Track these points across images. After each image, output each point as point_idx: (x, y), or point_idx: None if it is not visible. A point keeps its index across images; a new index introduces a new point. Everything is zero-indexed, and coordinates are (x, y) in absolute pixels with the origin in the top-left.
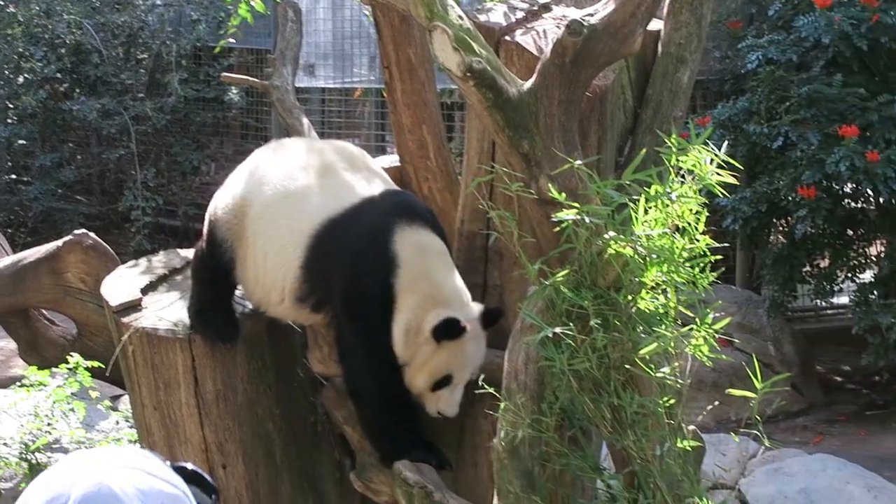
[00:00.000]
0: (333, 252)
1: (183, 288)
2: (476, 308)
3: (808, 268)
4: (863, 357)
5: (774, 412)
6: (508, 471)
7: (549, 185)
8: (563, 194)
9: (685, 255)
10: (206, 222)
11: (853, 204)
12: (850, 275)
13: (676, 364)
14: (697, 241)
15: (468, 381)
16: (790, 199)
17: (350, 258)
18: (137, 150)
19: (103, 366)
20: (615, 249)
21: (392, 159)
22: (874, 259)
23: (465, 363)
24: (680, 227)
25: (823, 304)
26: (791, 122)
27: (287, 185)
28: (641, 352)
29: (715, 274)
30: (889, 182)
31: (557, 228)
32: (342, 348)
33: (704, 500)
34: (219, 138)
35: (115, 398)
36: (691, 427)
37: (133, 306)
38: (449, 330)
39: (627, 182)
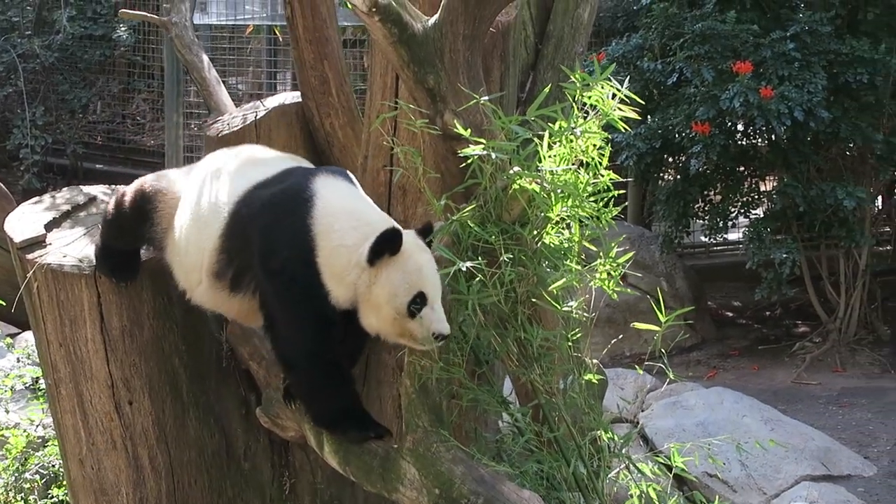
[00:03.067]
0: (251, 210)
1: (87, 224)
2: (408, 231)
3: (700, 204)
4: (756, 292)
5: (668, 347)
6: (417, 405)
7: (455, 120)
8: (469, 130)
9: (589, 189)
10: (137, 187)
11: (745, 140)
12: (742, 211)
13: (582, 298)
14: (601, 175)
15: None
16: (684, 135)
17: (265, 208)
18: (25, 89)
19: (2, 303)
20: (520, 185)
21: (293, 95)
22: (766, 195)
23: (426, 276)
24: (584, 162)
25: (714, 240)
26: (685, 58)
27: (214, 173)
28: (550, 286)
29: (618, 209)
30: (782, 118)
31: (463, 164)
32: (267, 316)
33: (608, 432)
34: (105, 76)
35: (12, 336)
36: (594, 361)
37: (37, 242)
38: (385, 243)
39: (532, 118)
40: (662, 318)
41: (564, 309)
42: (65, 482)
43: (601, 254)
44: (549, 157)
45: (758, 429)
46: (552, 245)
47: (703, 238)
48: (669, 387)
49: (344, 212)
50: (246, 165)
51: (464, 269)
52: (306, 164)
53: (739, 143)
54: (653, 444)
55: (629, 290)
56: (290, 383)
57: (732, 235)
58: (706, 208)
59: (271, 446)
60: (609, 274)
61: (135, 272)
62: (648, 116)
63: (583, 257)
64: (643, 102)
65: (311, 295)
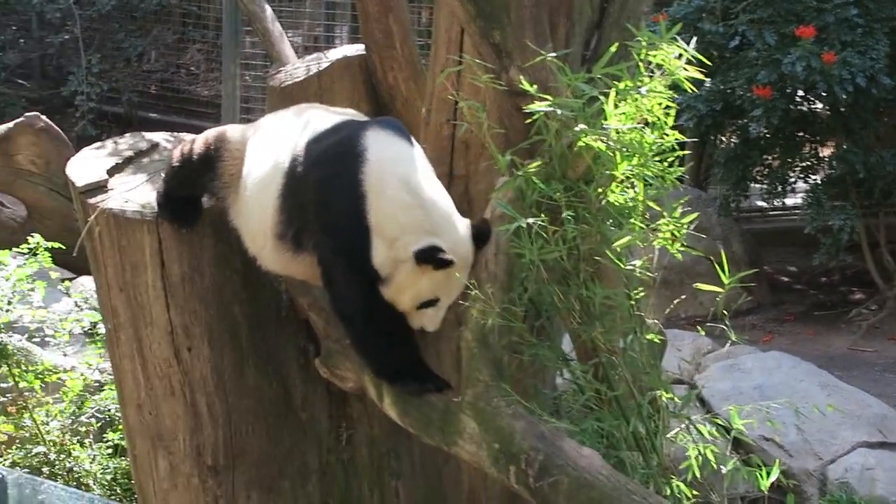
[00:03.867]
0: (305, 166)
1: (149, 170)
2: (462, 225)
3: (759, 168)
4: (814, 257)
5: (724, 309)
6: (478, 360)
7: (520, 76)
8: (534, 86)
9: (654, 149)
10: (202, 138)
11: (805, 105)
12: (801, 176)
13: (645, 258)
14: (667, 135)
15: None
16: (745, 98)
17: (317, 163)
18: (81, 36)
19: (63, 247)
20: (586, 142)
21: (356, 48)
22: (826, 160)
23: (452, 287)
24: (649, 121)
25: (771, 204)
26: (748, 21)
27: (274, 133)
28: (614, 244)
29: (682, 169)
30: (844, 83)
31: (527, 121)
32: (324, 270)
33: (668, 392)
34: (160, 25)
35: (69, 280)
36: (653, 321)
37: (99, 187)
38: (433, 259)
39: (598, 76)
40: (726, 280)
41: (627, 268)
42: (120, 426)
43: (665, 214)
44: (615, 115)
45: (815, 394)
46: (616, 203)
47: (759, 202)
48: (726, 349)
49: (396, 178)
50: (303, 123)
51: (524, 225)
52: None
53: (799, 107)
54: (709, 405)
55: (693, 250)
56: (349, 338)
57: (789, 200)
58: (765, 172)
59: (329, 397)
60: (673, 234)
61: (196, 218)
62: (708, 79)
63: (646, 217)
64: (709, 63)
65: (362, 249)
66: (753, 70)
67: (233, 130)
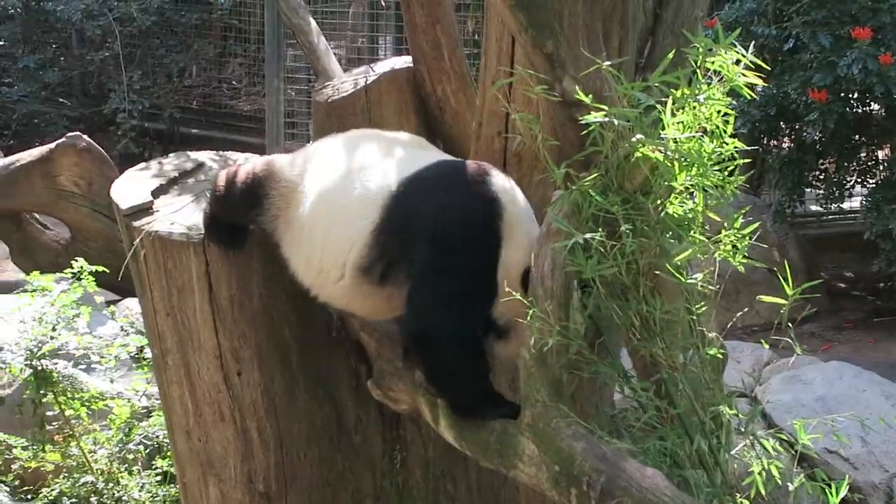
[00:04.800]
0: (418, 200)
1: (195, 191)
2: None
3: (816, 172)
4: (874, 263)
5: (781, 320)
6: (536, 379)
7: (575, 86)
8: (590, 95)
9: (714, 158)
10: (247, 169)
11: (861, 108)
12: (859, 180)
13: (706, 271)
14: (726, 143)
15: None
16: (800, 102)
17: (446, 207)
18: (122, 53)
19: (107, 270)
20: (643, 153)
21: (404, 60)
22: (882, 164)
23: None
24: (708, 129)
25: (828, 209)
26: (801, 23)
27: (344, 164)
28: (676, 258)
29: (743, 178)
30: None
31: (584, 133)
32: (414, 289)
33: (732, 408)
34: (202, 40)
35: (113, 303)
36: (714, 335)
37: (144, 209)
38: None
39: (655, 84)
40: (789, 291)
41: (688, 281)
42: (169, 453)
43: (725, 224)
44: (673, 124)
45: (879, 404)
46: (675, 215)
47: (812, 207)
48: (786, 360)
49: (524, 230)
50: (385, 153)
51: (581, 241)
52: (432, 147)
53: (855, 110)
54: (771, 419)
55: (757, 262)
56: (425, 360)
57: (846, 205)
58: (821, 177)
59: (382, 419)
60: (734, 246)
61: (243, 241)
62: (762, 83)
63: (706, 228)
64: (768, 68)
65: (486, 299)
66: (808, 73)
67: (280, 164)
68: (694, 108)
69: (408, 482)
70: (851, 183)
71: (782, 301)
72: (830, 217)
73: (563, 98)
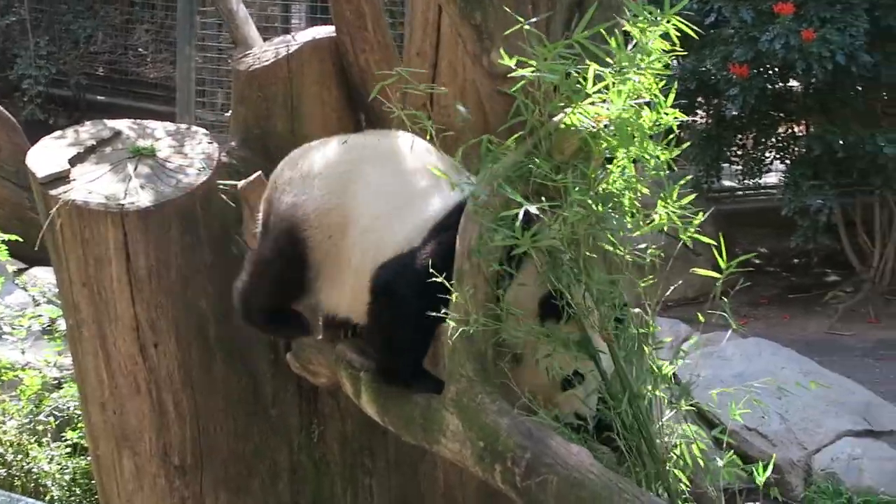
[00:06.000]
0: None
1: (113, 160)
2: None
3: (733, 148)
4: (791, 239)
5: (696, 294)
6: (461, 354)
7: (501, 49)
8: (514, 58)
9: (651, 130)
10: (279, 227)
11: (782, 84)
12: (778, 156)
13: (648, 244)
14: (666, 114)
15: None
16: (721, 77)
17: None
18: (29, 18)
19: (20, 239)
20: (572, 121)
21: (326, 30)
22: (802, 140)
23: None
24: (643, 100)
25: (745, 185)
26: None
27: (394, 191)
28: (610, 229)
29: (678, 150)
30: (824, 61)
31: (509, 106)
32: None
33: (659, 382)
34: (108, 6)
35: (20, 271)
36: (637, 309)
37: (61, 178)
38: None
39: (577, 41)
40: (723, 265)
41: (620, 253)
42: (80, 425)
43: (663, 196)
44: (601, 92)
45: (797, 381)
46: (611, 186)
47: (726, 182)
48: (705, 336)
49: None
50: (424, 179)
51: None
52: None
53: (776, 86)
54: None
55: (703, 238)
56: (379, 323)
57: (760, 181)
58: (739, 153)
59: (300, 392)
60: (670, 216)
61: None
62: (681, 58)
63: (640, 199)
64: (696, 37)
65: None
66: (729, 48)
67: (307, 218)
68: (625, 76)
69: (325, 456)
70: (770, 159)
71: (716, 275)
72: (744, 193)
73: (490, 69)
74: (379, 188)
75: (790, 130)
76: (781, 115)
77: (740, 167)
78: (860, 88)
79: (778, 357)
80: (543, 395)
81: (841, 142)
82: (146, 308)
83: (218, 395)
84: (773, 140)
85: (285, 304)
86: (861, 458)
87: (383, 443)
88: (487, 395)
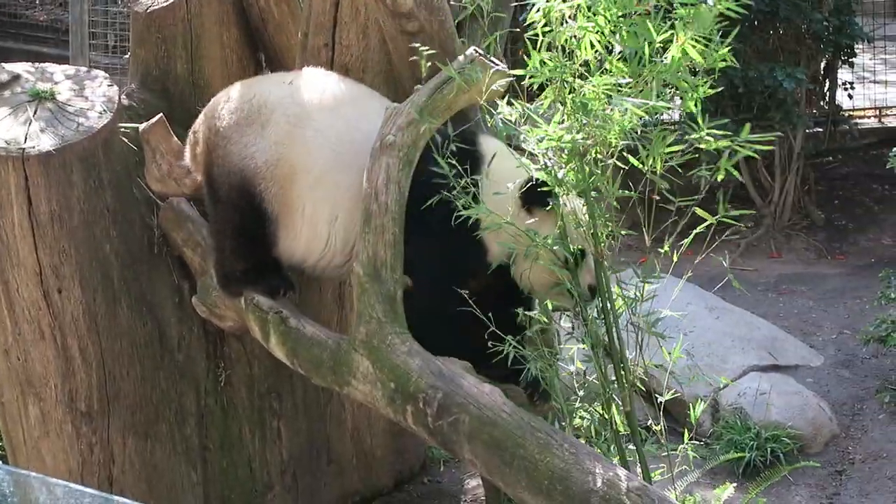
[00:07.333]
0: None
1: (12, 104)
2: None
3: None
4: (692, 173)
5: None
6: (370, 295)
7: None
8: None
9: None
10: (233, 184)
11: None
12: (679, 92)
13: None
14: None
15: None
16: None
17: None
18: None
19: None
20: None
21: None
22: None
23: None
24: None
25: None
26: None
27: (343, 143)
28: None
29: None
30: None
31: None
32: None
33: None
34: None
35: None
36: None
37: None
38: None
39: None
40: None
41: None
42: None
43: None
44: None
45: (703, 317)
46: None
47: None
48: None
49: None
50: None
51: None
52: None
53: None
54: None
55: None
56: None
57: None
58: None
59: (206, 336)
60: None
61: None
62: None
63: None
64: None
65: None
66: None
67: (257, 170)
68: None
69: (232, 400)
70: (670, 95)
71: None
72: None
73: (393, 8)
74: (328, 137)
75: None
76: None
77: None
78: (756, 23)
79: (684, 293)
80: (543, 287)
81: (741, 76)
82: (49, 253)
83: (124, 340)
84: None
85: (257, 260)
86: (768, 393)
87: (290, 386)
88: (398, 336)
